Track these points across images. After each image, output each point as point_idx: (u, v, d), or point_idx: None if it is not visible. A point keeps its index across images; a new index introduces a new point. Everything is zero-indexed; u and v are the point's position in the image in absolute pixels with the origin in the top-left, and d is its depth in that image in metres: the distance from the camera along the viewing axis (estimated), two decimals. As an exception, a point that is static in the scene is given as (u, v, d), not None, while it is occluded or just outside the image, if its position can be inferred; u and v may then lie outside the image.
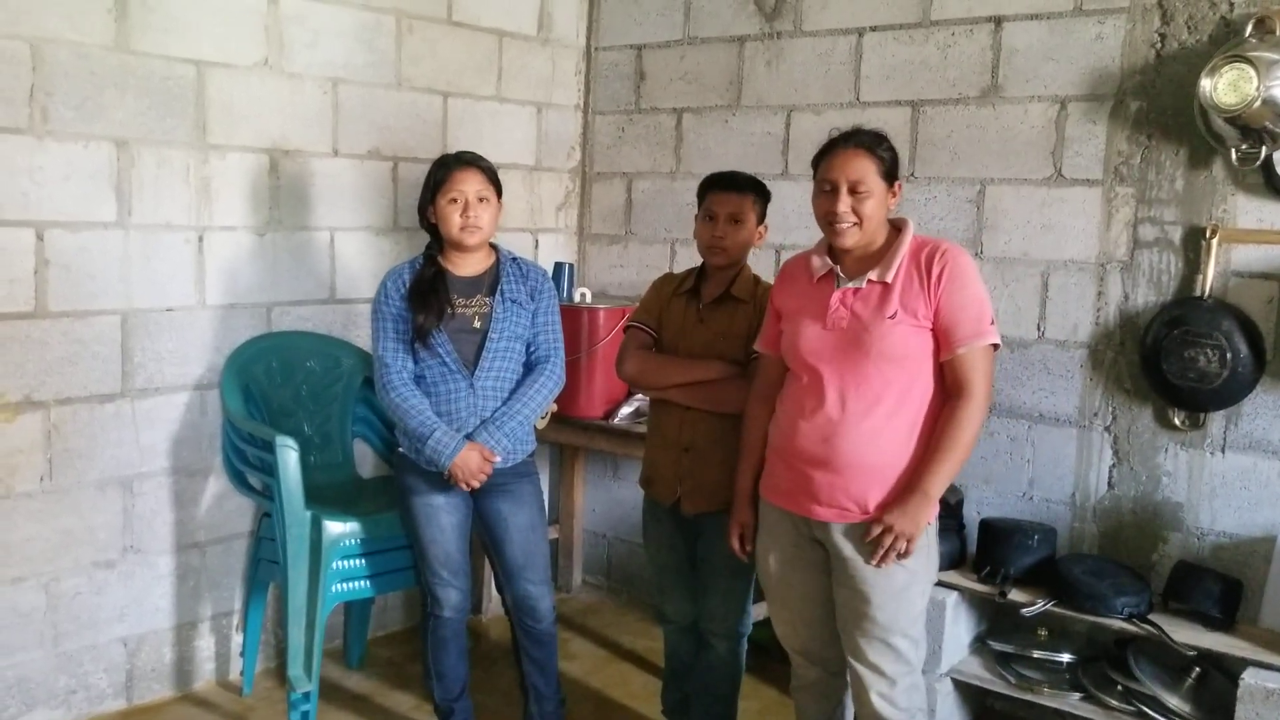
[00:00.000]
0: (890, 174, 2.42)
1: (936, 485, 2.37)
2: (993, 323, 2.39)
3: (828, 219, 2.41)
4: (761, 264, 3.52)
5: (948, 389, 2.40)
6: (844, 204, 2.37)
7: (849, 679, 2.57)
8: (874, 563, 2.38)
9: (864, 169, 2.38)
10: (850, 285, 2.42)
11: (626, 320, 3.07)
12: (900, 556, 2.38)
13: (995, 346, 2.40)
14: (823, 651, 2.63)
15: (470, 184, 2.89)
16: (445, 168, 2.91)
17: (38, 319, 3.05)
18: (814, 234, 2.61)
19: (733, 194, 2.83)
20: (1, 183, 2.95)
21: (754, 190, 2.86)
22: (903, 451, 2.39)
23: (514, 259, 3.03)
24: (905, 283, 2.38)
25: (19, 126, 2.96)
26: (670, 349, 2.90)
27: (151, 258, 3.25)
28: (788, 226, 3.79)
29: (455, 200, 2.88)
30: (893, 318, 2.36)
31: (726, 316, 2.84)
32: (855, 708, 2.56)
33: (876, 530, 2.36)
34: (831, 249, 2.49)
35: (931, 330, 2.38)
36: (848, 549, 2.42)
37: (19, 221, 2.99)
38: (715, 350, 2.83)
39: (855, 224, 2.38)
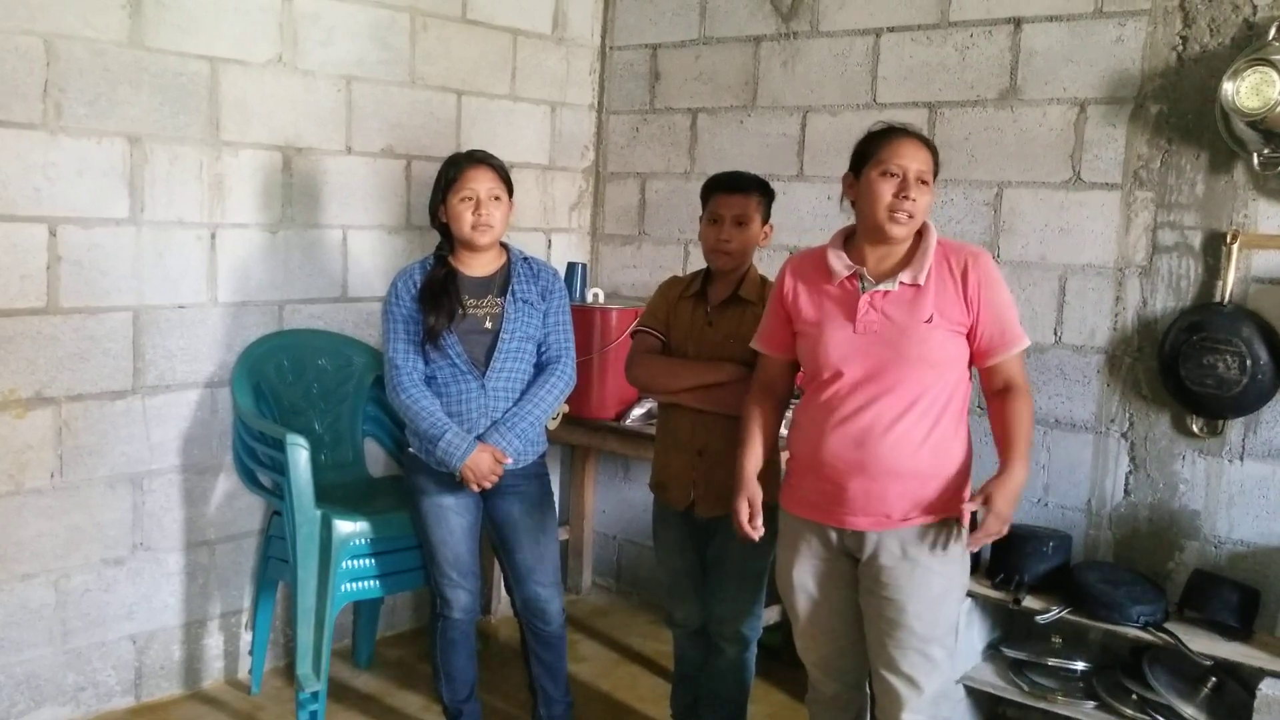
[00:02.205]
0: (936, 173, 2.41)
1: (1023, 470, 2.34)
2: (1020, 323, 2.40)
3: (893, 206, 2.32)
4: (774, 266, 3.50)
5: (991, 389, 2.41)
6: (914, 191, 2.32)
7: (874, 691, 2.52)
8: (971, 547, 2.35)
9: (929, 162, 2.37)
10: (880, 288, 2.37)
11: (633, 325, 3.04)
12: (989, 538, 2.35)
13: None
14: (844, 664, 2.58)
15: (483, 182, 2.88)
16: (457, 166, 2.90)
17: (49, 315, 3.05)
18: (828, 235, 2.58)
19: (738, 195, 2.81)
20: (15, 179, 2.95)
21: (758, 190, 2.84)
22: (939, 456, 2.36)
23: (525, 258, 3.02)
24: (938, 286, 2.35)
25: (32, 122, 2.96)
26: (679, 352, 2.88)
27: (164, 254, 3.25)
28: (802, 228, 3.77)
29: (468, 199, 2.86)
30: (929, 321, 2.33)
31: (735, 318, 2.82)
32: (881, 718, 2.51)
33: (994, 524, 2.31)
34: (847, 247, 2.45)
35: (966, 335, 2.36)
36: (883, 559, 2.38)
37: (32, 217, 2.99)
38: (725, 352, 2.81)
39: (914, 217, 2.34)
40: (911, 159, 2.34)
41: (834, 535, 2.44)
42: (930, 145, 2.40)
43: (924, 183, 2.34)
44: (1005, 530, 2.34)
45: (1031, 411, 2.40)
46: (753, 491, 2.55)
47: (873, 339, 2.35)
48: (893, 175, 2.33)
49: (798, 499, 2.50)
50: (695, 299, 2.89)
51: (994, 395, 2.42)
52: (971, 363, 2.41)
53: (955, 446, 2.39)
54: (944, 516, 2.38)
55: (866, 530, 2.38)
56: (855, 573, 2.46)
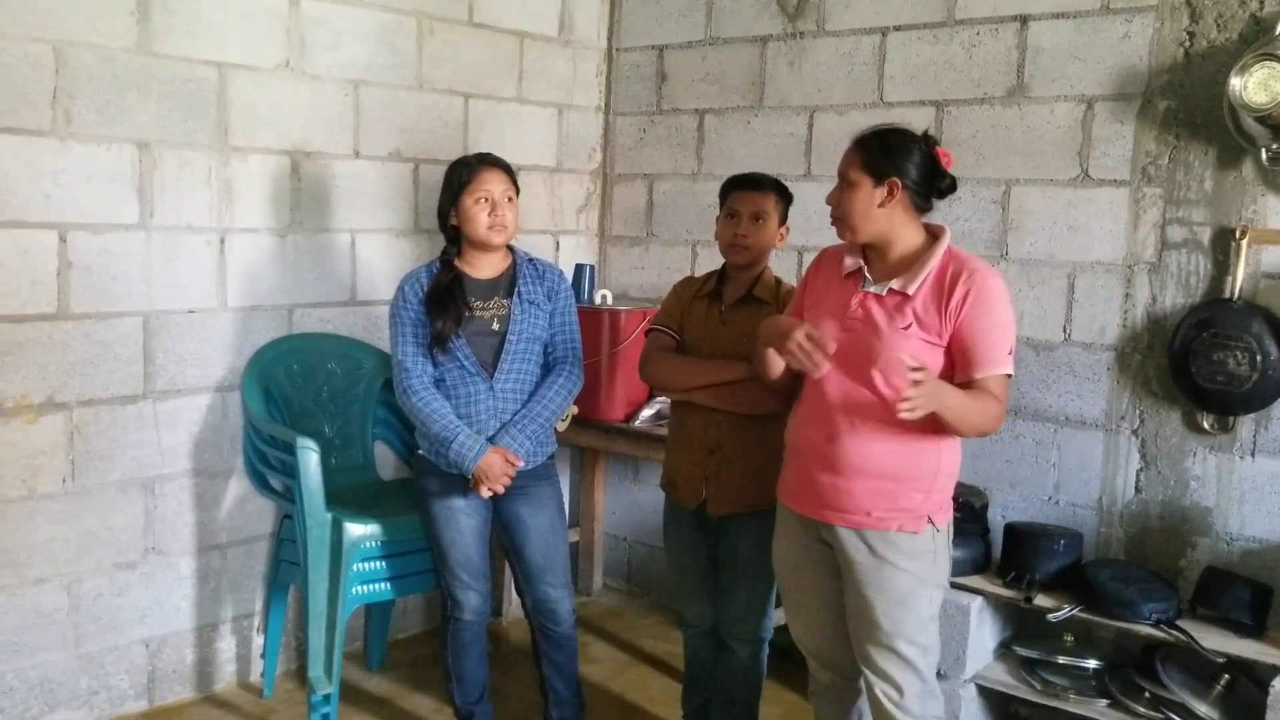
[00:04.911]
0: (877, 169, 2.34)
1: (950, 399, 2.23)
2: (1010, 353, 2.34)
3: (831, 217, 2.44)
4: (784, 266, 3.51)
5: None
6: (831, 196, 2.40)
7: (864, 686, 2.54)
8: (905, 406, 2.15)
9: (846, 161, 2.38)
10: (873, 290, 2.39)
11: (647, 323, 3.05)
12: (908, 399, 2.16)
13: (1009, 375, 2.36)
14: (836, 655, 2.60)
15: (496, 184, 2.89)
16: (469, 168, 2.91)
17: (60, 321, 3.06)
18: (835, 236, 2.59)
19: (756, 193, 2.83)
20: (25, 185, 2.96)
21: (777, 191, 2.86)
22: (905, 461, 2.36)
23: (530, 260, 3.02)
24: (926, 297, 2.34)
25: (42, 129, 2.97)
26: (693, 351, 2.89)
27: (173, 259, 3.26)
28: (810, 228, 3.76)
29: (482, 200, 2.87)
30: (906, 329, 2.33)
31: (749, 318, 2.82)
32: (871, 714, 2.54)
33: (919, 376, 2.14)
34: (864, 248, 2.47)
35: (946, 349, 2.34)
36: (851, 553, 2.40)
37: (42, 224, 3.00)
38: (738, 351, 2.80)
39: (839, 219, 2.39)
40: (841, 165, 2.40)
41: (812, 526, 2.49)
42: (860, 142, 2.39)
43: (844, 181, 2.37)
44: (913, 412, 2.16)
45: (991, 414, 2.30)
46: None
47: (853, 337, 2.38)
48: (835, 184, 2.42)
49: (784, 488, 2.56)
50: (709, 298, 2.90)
51: None
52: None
53: (928, 453, 2.37)
54: (914, 518, 2.37)
55: (835, 525, 2.41)
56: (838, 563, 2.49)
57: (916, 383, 2.14)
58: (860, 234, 2.39)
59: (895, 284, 2.37)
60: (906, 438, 2.34)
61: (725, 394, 2.80)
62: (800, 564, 2.55)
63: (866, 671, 2.47)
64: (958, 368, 2.35)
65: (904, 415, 2.16)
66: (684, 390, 2.86)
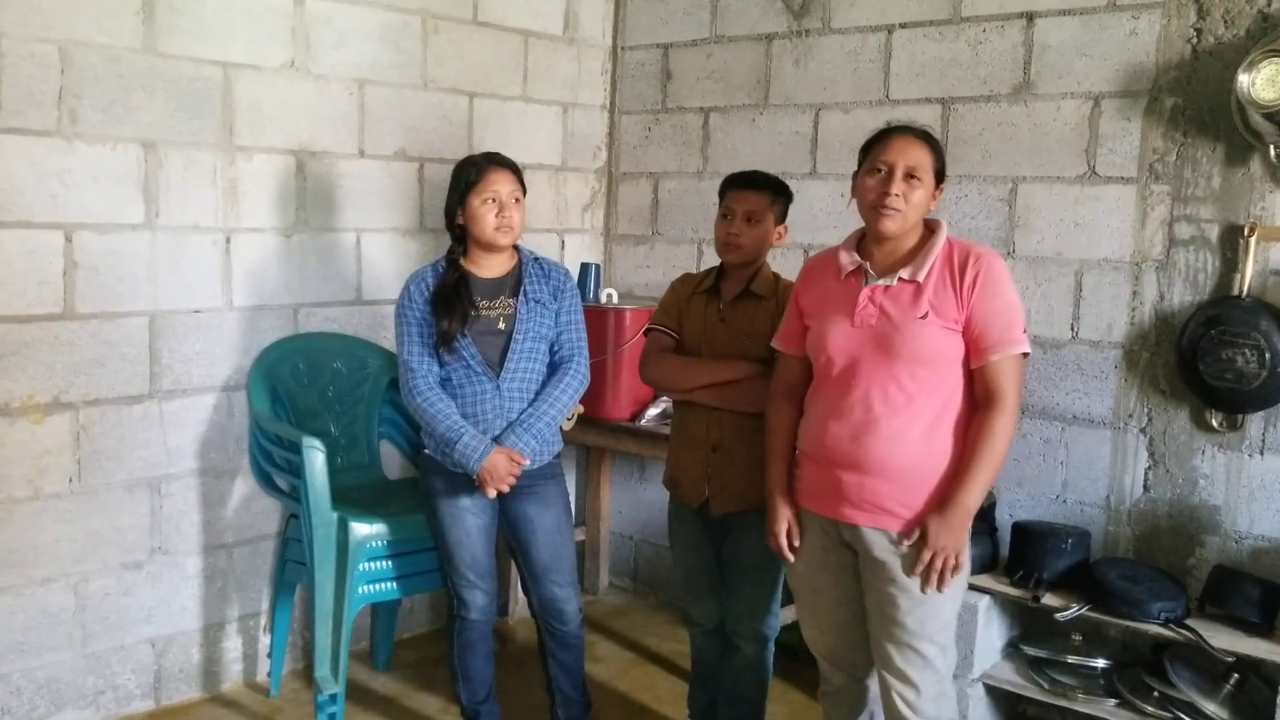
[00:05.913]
0: (940, 170, 2.41)
1: (974, 497, 2.33)
2: (1024, 330, 2.36)
3: (876, 202, 2.36)
4: (788, 264, 3.50)
5: (978, 397, 2.37)
6: (898, 186, 2.33)
7: (878, 686, 2.53)
8: (927, 590, 2.34)
9: (922, 157, 2.36)
10: (880, 283, 2.38)
11: (646, 324, 3.04)
12: (954, 573, 2.34)
13: (1025, 354, 2.37)
14: (850, 657, 2.60)
15: (504, 184, 2.89)
16: (477, 168, 2.90)
17: (66, 320, 3.07)
18: (842, 234, 2.59)
19: (751, 192, 2.81)
20: (31, 185, 2.96)
21: (773, 189, 2.84)
22: (934, 453, 2.35)
23: (536, 259, 3.02)
24: (937, 283, 2.34)
25: (48, 129, 2.97)
26: (693, 349, 2.88)
27: (179, 259, 3.26)
28: (815, 226, 3.77)
29: (490, 201, 2.87)
30: (923, 318, 2.33)
31: (748, 314, 2.82)
32: (884, 715, 2.53)
33: (927, 556, 2.31)
34: (860, 245, 2.46)
35: (962, 334, 2.34)
36: (878, 552, 2.39)
37: (48, 224, 3.01)
38: (739, 349, 2.80)
39: (900, 211, 2.34)
40: (898, 154, 2.35)
41: (832, 527, 2.47)
42: (927, 140, 2.40)
43: (914, 178, 2.34)
44: (954, 562, 2.33)
45: (1007, 436, 2.34)
46: (788, 512, 2.55)
47: (868, 333, 2.37)
48: (878, 171, 2.37)
49: (801, 490, 2.53)
50: (708, 295, 2.89)
51: (979, 405, 2.37)
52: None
53: (955, 448, 2.36)
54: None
55: (861, 525, 2.39)
56: (858, 565, 2.47)
57: (934, 557, 2.32)
58: (907, 231, 2.39)
59: (904, 273, 2.36)
60: (932, 433, 2.34)
61: (726, 393, 2.79)
62: (817, 566, 2.53)
63: (884, 673, 2.45)
64: (973, 353, 2.34)
65: (948, 582, 2.35)
66: (685, 391, 2.86)
